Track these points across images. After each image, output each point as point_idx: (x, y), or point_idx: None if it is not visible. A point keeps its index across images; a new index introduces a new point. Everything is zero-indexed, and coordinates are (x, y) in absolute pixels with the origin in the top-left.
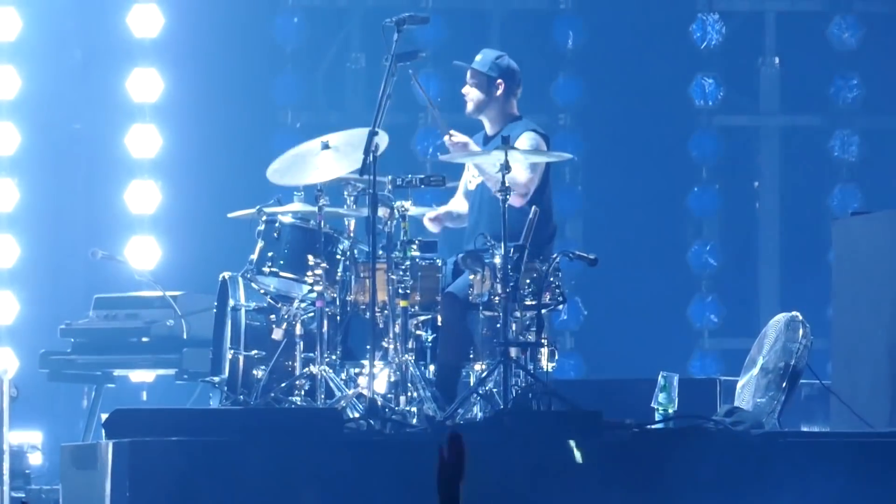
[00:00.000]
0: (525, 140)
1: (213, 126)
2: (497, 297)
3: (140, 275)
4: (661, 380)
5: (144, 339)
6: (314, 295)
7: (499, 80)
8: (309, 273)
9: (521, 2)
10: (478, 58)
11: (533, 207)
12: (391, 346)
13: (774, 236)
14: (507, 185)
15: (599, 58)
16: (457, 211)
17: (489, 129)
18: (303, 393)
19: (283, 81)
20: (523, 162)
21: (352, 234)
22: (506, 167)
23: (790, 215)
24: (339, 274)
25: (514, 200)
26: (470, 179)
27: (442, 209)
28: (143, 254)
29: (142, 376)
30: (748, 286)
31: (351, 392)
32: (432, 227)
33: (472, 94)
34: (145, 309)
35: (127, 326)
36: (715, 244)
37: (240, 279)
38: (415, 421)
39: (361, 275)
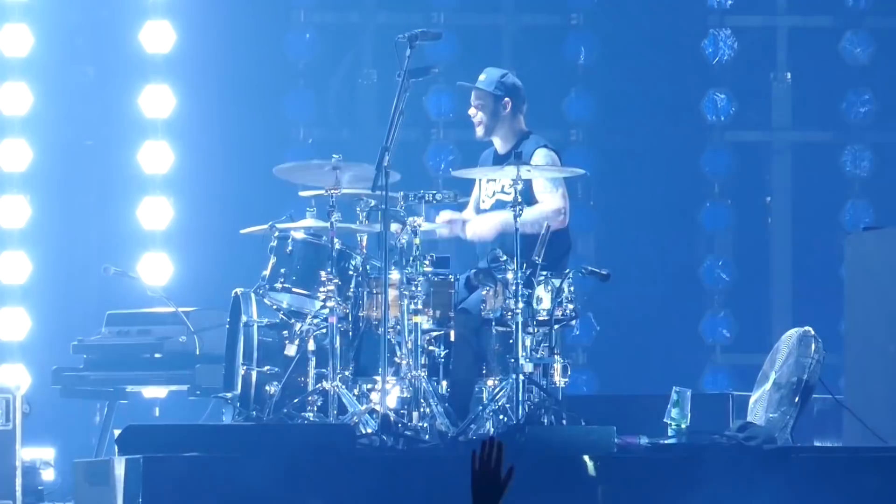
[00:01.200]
0: (539, 157)
1: (225, 142)
2: (510, 313)
3: (152, 291)
4: (673, 395)
5: (157, 355)
6: (326, 311)
7: (505, 99)
8: (321, 289)
9: (532, 17)
10: (482, 77)
11: (545, 223)
12: (403, 362)
13: (786, 251)
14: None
15: (611, 73)
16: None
17: (500, 147)
18: (315, 409)
19: (294, 97)
20: (547, 185)
21: (364, 250)
22: (518, 181)
23: (802, 230)
24: (352, 290)
25: (556, 224)
26: (483, 198)
27: (457, 214)
28: (155, 270)
29: (154, 392)
30: (760, 301)
31: (363, 408)
32: (443, 230)
33: (479, 117)
34: (158, 325)
35: (139, 342)
36: (727, 259)
37: (252, 295)
38: (427, 437)
39: (374, 291)
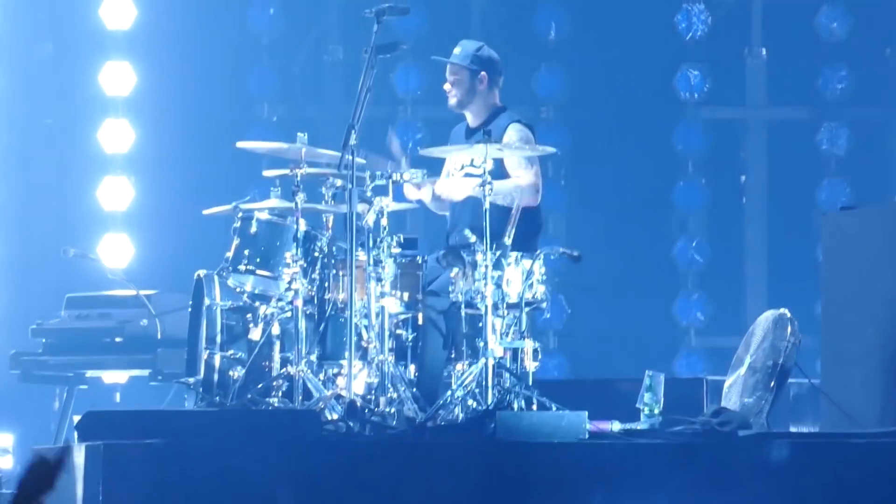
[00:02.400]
0: (512, 133)
1: (187, 120)
2: (479, 296)
3: (113, 273)
4: (646, 379)
5: (118, 340)
6: (291, 293)
7: (482, 73)
8: (286, 271)
9: None
10: (456, 51)
11: (515, 202)
12: (370, 346)
13: (762, 232)
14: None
15: (583, 48)
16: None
17: (472, 121)
18: (280, 394)
19: (258, 74)
20: (521, 161)
21: (330, 231)
22: (485, 162)
23: (778, 210)
24: (317, 272)
25: (530, 201)
26: (452, 172)
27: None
28: (116, 251)
29: (115, 377)
30: (735, 283)
31: (329, 393)
32: (410, 192)
33: (454, 91)
34: (118, 308)
35: (100, 326)
36: (701, 240)
37: (215, 277)
38: (395, 423)
39: (340, 273)
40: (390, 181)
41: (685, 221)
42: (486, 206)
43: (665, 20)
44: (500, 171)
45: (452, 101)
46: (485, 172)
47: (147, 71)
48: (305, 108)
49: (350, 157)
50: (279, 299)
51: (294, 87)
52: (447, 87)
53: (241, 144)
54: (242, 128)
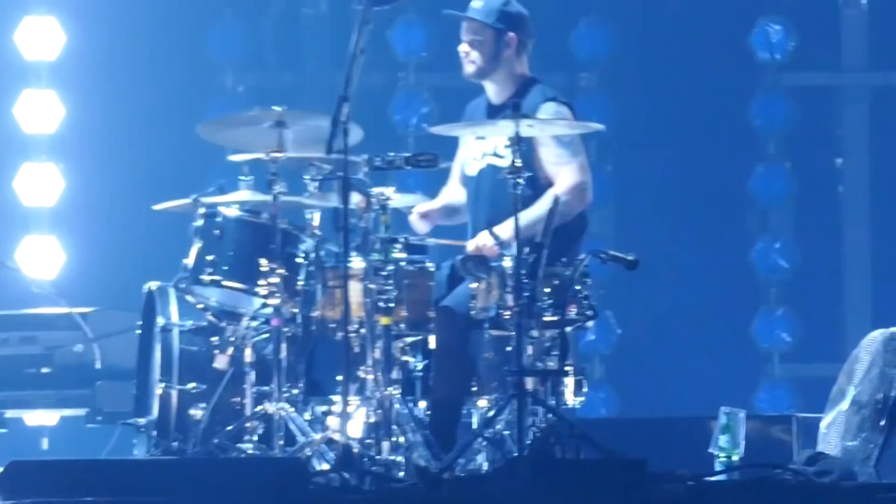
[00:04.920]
0: (547, 115)
1: (132, 91)
2: (508, 312)
3: (38, 286)
4: (722, 417)
5: (45, 370)
6: (269, 311)
7: (509, 34)
8: (262, 282)
9: None
10: (476, 4)
11: (554, 195)
12: (370, 377)
13: (864, 229)
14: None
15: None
16: (453, 203)
17: (494, 95)
18: (256, 438)
19: (220, 33)
20: (561, 153)
21: (316, 231)
22: (517, 142)
23: (884, 202)
24: (301, 283)
25: (578, 205)
26: (469, 161)
27: (434, 203)
28: (41, 258)
29: (42, 418)
30: (831, 295)
31: (318, 437)
32: (421, 226)
33: (473, 55)
34: (45, 331)
35: (21, 353)
36: (786, 240)
37: (171, 291)
38: (402, 474)
39: (330, 284)
40: (392, 167)
41: (766, 217)
42: (517, 200)
43: None
44: (530, 162)
45: (470, 68)
46: (514, 156)
47: (78, 28)
48: (281, 76)
49: (342, 138)
50: (253, 318)
51: (266, 50)
52: (464, 49)
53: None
54: (201, 101)
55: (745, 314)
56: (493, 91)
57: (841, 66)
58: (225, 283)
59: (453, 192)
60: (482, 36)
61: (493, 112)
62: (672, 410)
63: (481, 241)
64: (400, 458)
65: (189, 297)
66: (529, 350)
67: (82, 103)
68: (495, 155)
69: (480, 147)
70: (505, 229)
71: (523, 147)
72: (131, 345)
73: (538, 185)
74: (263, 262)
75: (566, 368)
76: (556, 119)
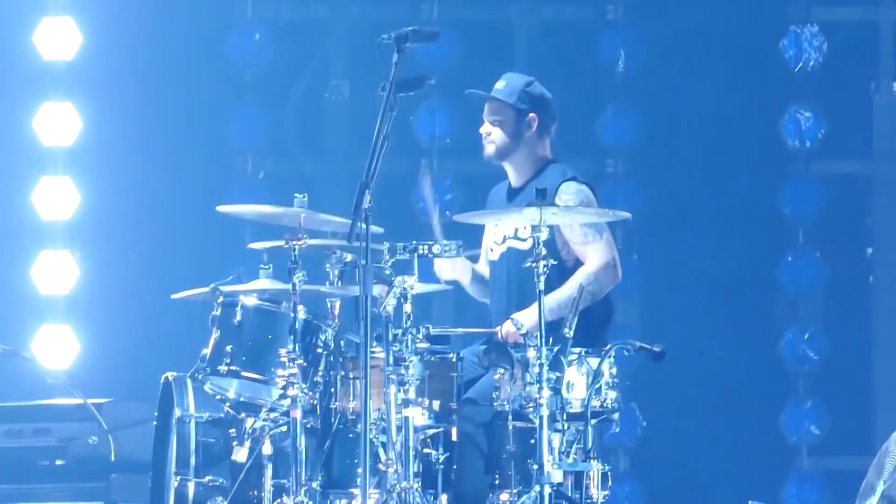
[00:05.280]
0: (567, 196)
1: (148, 179)
2: (531, 404)
3: (52, 376)
4: None
5: (59, 462)
6: (287, 402)
7: (531, 115)
8: (280, 372)
9: (556, 10)
10: (500, 85)
11: (579, 283)
12: (390, 470)
13: (894, 320)
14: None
15: (659, 84)
16: (482, 273)
17: (514, 178)
18: None
19: (240, 118)
20: (586, 231)
21: (336, 321)
22: (540, 228)
23: None
24: (321, 373)
25: (611, 282)
26: (491, 246)
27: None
28: (56, 347)
29: None
30: (860, 387)
31: None
32: (445, 272)
33: (495, 135)
34: (60, 422)
35: (35, 445)
36: (816, 331)
37: (188, 381)
38: None
39: (350, 374)
40: (416, 255)
41: (795, 306)
42: (541, 287)
43: (768, 46)
44: (553, 246)
45: (490, 149)
46: (538, 243)
47: (93, 114)
48: (302, 163)
49: (363, 226)
50: (272, 409)
51: (287, 136)
52: (485, 129)
53: (221, 209)
54: (221, 187)
55: (773, 406)
56: (513, 173)
57: (872, 154)
58: (243, 373)
59: (482, 269)
60: (503, 116)
61: (513, 195)
62: None
63: (504, 329)
64: None
65: (207, 388)
66: (554, 442)
67: (99, 190)
68: (516, 238)
69: (501, 230)
70: (528, 316)
71: (547, 232)
72: (147, 436)
73: (563, 268)
74: (282, 352)
75: (591, 462)
76: (583, 207)
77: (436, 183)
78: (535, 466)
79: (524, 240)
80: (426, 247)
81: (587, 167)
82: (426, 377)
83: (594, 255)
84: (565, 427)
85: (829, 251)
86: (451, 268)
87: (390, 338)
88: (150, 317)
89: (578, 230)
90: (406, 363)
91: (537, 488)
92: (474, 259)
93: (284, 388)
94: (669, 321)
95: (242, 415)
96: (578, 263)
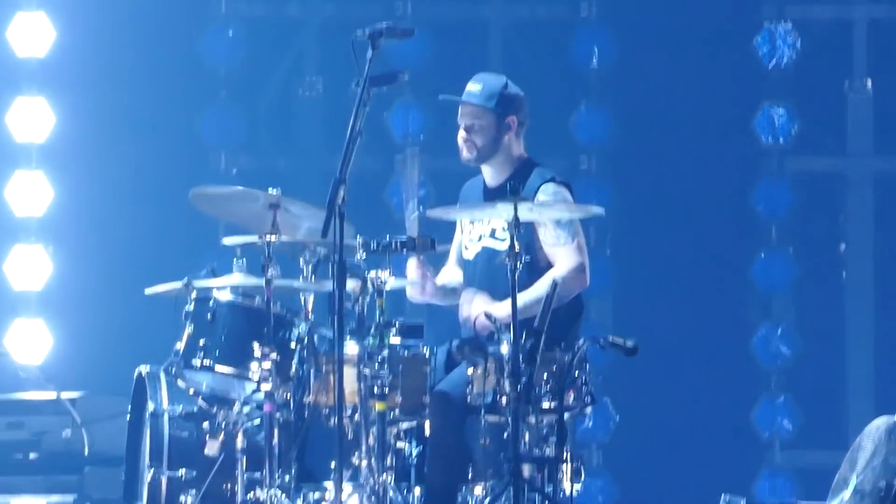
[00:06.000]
0: (545, 198)
1: (122, 173)
2: (504, 398)
3: (25, 370)
4: None
5: (32, 456)
6: (261, 396)
7: (510, 118)
8: (254, 367)
9: (529, 8)
10: (474, 87)
11: (552, 279)
12: (364, 464)
13: (867, 316)
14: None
15: (633, 81)
16: (450, 283)
17: (491, 178)
18: None
19: (214, 114)
20: (559, 234)
21: (310, 316)
22: (516, 226)
23: (888, 288)
24: (294, 368)
25: (577, 287)
26: (466, 244)
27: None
28: (28, 342)
29: None
30: (833, 382)
31: None
32: (416, 294)
33: (474, 140)
34: (33, 415)
35: (8, 439)
36: (788, 327)
37: (162, 375)
38: None
39: (323, 369)
40: (389, 250)
41: (768, 302)
42: (514, 282)
43: (742, 44)
44: (528, 245)
45: (468, 154)
46: (513, 239)
47: (66, 110)
48: (276, 159)
49: (337, 221)
50: (245, 403)
51: (260, 132)
52: (462, 135)
53: (196, 191)
54: (194, 184)
55: (746, 401)
56: (490, 174)
57: (846, 151)
58: (217, 367)
59: (450, 274)
60: (483, 120)
61: (490, 195)
62: (671, 499)
63: (476, 309)
64: None
65: (180, 382)
66: (526, 437)
67: (72, 185)
68: (493, 237)
69: (477, 230)
70: (501, 309)
71: (522, 230)
72: (120, 430)
73: (537, 267)
74: (256, 346)
75: (563, 456)
76: (556, 202)
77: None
78: (507, 460)
79: (502, 240)
80: (398, 242)
81: (561, 164)
82: (399, 372)
83: (564, 258)
84: (538, 422)
85: (802, 248)
86: (421, 293)
87: (363, 332)
88: (124, 311)
89: (552, 231)
90: (379, 358)
91: (509, 482)
92: (445, 254)
93: (258, 382)
94: (642, 317)
95: (216, 409)
96: (550, 265)
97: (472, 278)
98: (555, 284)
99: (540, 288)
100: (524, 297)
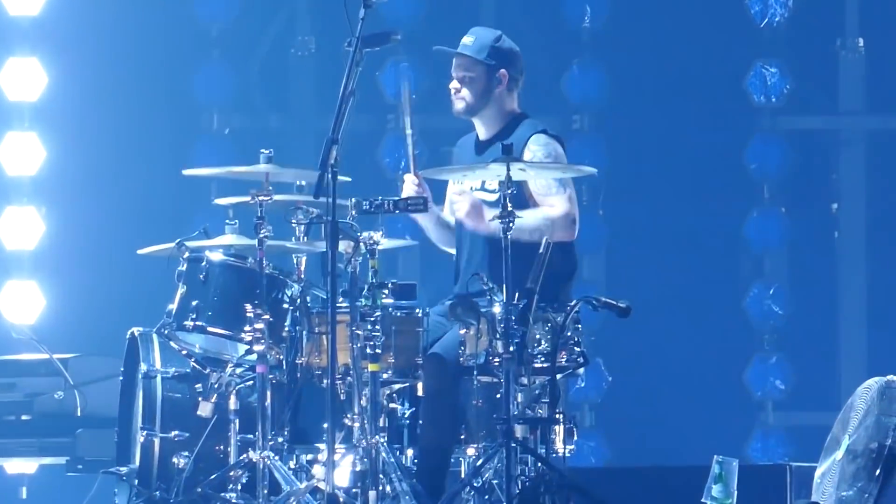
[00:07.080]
0: (536, 147)
1: (114, 133)
2: (497, 359)
3: (17, 331)
4: (714, 467)
5: (24, 418)
6: (254, 357)
7: (501, 71)
8: (247, 328)
9: None
10: (467, 40)
11: (544, 239)
12: (356, 425)
13: (860, 275)
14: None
15: (625, 40)
16: (446, 219)
17: (483, 131)
18: (240, 487)
19: (207, 74)
20: (550, 183)
21: (303, 276)
22: (508, 184)
23: (880, 247)
24: (287, 329)
25: (564, 235)
26: (456, 200)
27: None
28: (21, 302)
29: (21, 466)
30: (825, 342)
31: (303, 486)
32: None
33: (464, 92)
34: (25, 377)
35: (1, 401)
36: (781, 287)
37: (154, 336)
38: None
39: (316, 330)
40: (382, 210)
41: (760, 263)
42: (506, 242)
43: (733, 2)
44: (521, 198)
45: (459, 105)
46: (505, 200)
47: (60, 70)
48: (267, 118)
49: (330, 181)
50: (237, 365)
51: (253, 92)
52: (454, 86)
53: (188, 172)
54: (186, 143)
55: (738, 361)
56: (482, 127)
57: (838, 110)
58: (209, 328)
59: (447, 216)
60: (474, 72)
61: (482, 147)
62: (664, 459)
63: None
64: None
65: (172, 343)
66: (519, 397)
67: (65, 145)
68: (483, 189)
69: (467, 182)
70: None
71: (513, 187)
72: (113, 392)
73: None
74: (248, 307)
75: (556, 416)
76: (547, 161)
77: (401, 138)
78: (500, 421)
79: (492, 191)
80: (391, 202)
81: (554, 123)
82: (392, 332)
83: (555, 205)
84: (530, 382)
85: (795, 207)
86: (415, 186)
87: (355, 293)
88: (116, 272)
89: (543, 181)
90: (372, 318)
91: (502, 443)
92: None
93: (250, 343)
94: (635, 276)
95: (208, 370)
96: None
97: (465, 235)
98: (548, 245)
99: (533, 214)
100: (521, 218)
